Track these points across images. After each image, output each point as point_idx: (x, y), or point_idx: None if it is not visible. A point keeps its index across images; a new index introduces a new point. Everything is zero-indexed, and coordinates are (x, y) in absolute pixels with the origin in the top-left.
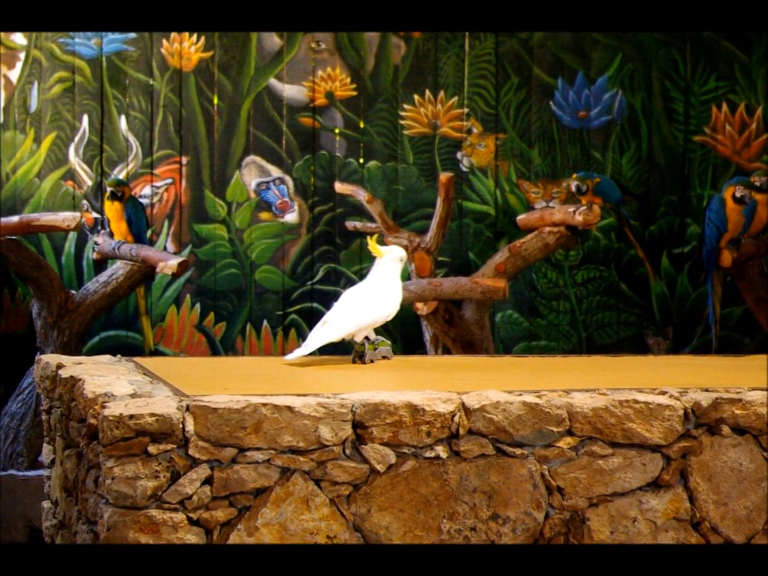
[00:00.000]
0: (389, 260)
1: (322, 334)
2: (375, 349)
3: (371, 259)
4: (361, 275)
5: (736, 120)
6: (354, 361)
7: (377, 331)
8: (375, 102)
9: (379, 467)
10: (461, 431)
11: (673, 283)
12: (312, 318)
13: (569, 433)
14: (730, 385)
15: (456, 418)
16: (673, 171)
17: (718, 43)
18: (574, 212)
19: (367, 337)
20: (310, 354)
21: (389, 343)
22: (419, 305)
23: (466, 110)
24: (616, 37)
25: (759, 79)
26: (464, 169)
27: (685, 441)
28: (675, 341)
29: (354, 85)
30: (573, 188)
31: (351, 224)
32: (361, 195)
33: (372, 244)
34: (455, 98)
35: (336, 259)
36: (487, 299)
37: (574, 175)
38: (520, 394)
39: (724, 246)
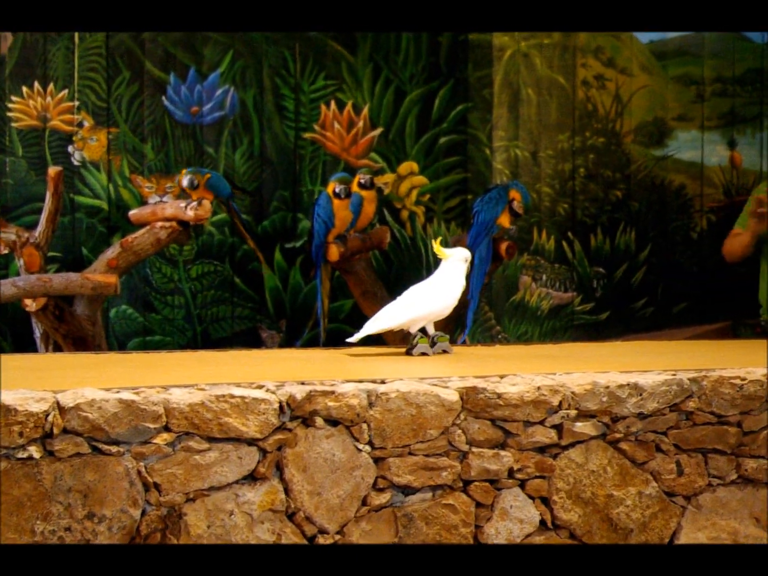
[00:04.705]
0: (454, 261)
1: (378, 322)
2: (434, 344)
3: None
4: None
5: (344, 118)
6: (407, 352)
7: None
8: None
9: None
10: (55, 430)
11: (286, 278)
12: None
13: (166, 429)
14: (327, 378)
15: (50, 418)
16: (285, 167)
17: (326, 43)
18: (185, 207)
19: (425, 331)
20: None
21: (447, 337)
22: (28, 301)
23: (77, 103)
24: (227, 33)
25: (365, 79)
26: (76, 163)
27: (281, 434)
28: (288, 334)
29: None
30: (185, 183)
31: None
32: None
33: (437, 247)
34: (65, 91)
35: None
36: (99, 295)
37: (184, 171)
38: (118, 392)
39: (331, 241)
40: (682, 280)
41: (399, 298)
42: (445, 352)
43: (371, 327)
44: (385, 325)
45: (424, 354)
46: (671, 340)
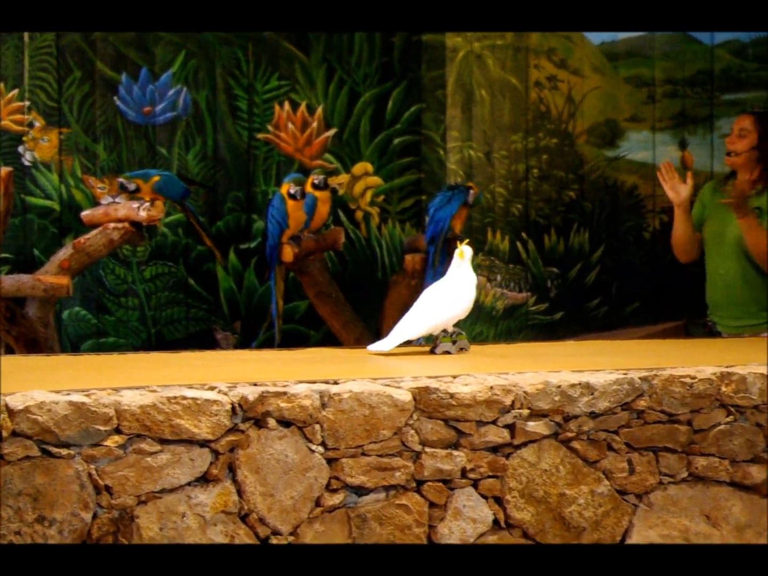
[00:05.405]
0: (468, 261)
1: (410, 329)
2: (454, 342)
3: None
4: None
5: (298, 118)
6: (432, 351)
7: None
8: None
9: None
10: (4, 433)
11: (241, 279)
12: None
13: (117, 431)
14: (279, 379)
15: None
16: (239, 167)
17: (279, 43)
18: (138, 208)
19: (445, 330)
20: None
21: (465, 335)
22: None
23: (27, 103)
24: (179, 33)
25: (318, 80)
26: (27, 163)
27: (233, 435)
28: (243, 336)
29: None
30: (119, 188)
31: None
32: None
33: (460, 248)
34: (15, 91)
35: None
36: (51, 296)
37: (122, 175)
38: (68, 394)
39: (285, 242)
40: (635, 279)
41: (424, 303)
42: (462, 350)
43: (406, 333)
44: (417, 332)
45: (447, 353)
46: (624, 339)
